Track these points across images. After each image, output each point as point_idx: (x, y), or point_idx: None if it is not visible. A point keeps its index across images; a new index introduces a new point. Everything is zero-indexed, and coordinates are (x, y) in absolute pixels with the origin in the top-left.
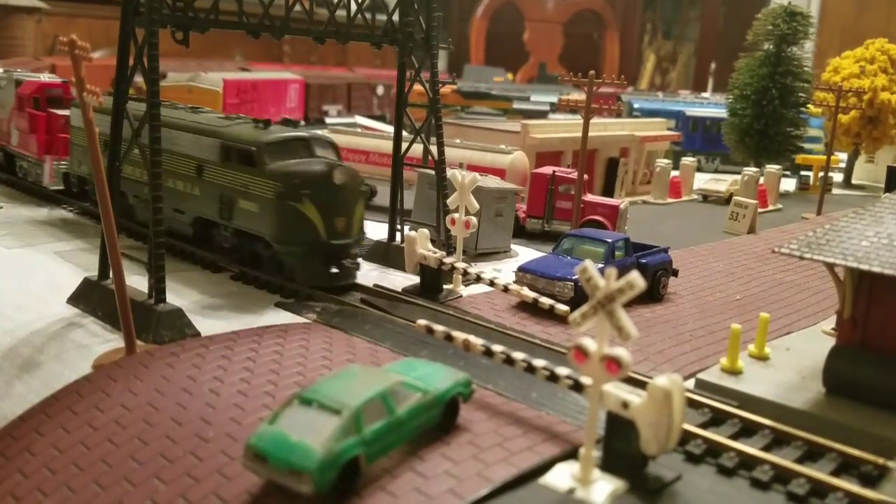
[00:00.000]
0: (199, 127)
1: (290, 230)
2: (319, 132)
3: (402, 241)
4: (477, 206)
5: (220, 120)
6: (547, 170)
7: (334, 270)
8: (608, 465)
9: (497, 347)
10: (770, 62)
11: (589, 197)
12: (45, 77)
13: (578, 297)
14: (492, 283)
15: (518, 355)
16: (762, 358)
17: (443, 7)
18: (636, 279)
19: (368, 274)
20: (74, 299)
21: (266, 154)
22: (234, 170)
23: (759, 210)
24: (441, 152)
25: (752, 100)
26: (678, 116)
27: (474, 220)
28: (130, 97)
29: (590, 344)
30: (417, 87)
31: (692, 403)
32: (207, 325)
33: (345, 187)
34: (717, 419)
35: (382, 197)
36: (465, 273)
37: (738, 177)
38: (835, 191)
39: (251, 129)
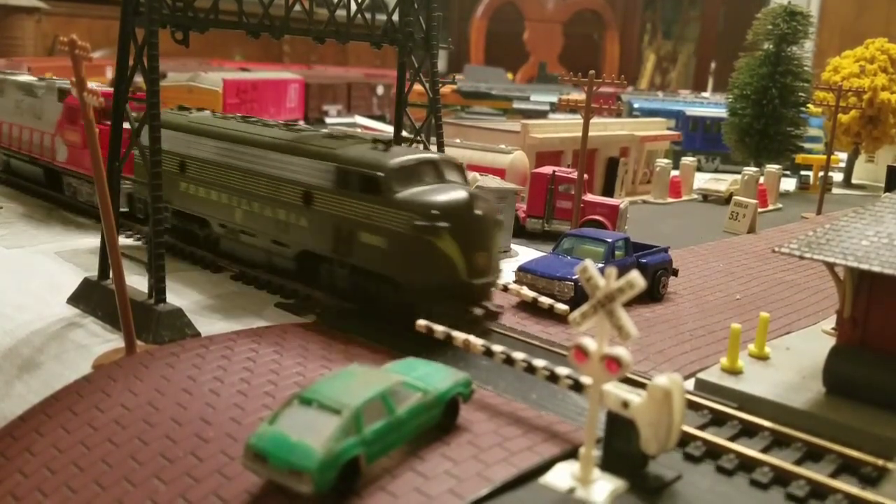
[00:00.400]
0: (307, 149)
1: (425, 269)
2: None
3: None
4: None
5: (330, 140)
6: (547, 169)
7: (475, 314)
8: (608, 465)
9: (497, 348)
10: (770, 62)
11: (589, 197)
12: (96, 85)
13: (578, 297)
14: None
15: (518, 355)
16: (762, 357)
17: (443, 7)
18: (636, 279)
19: None
20: (74, 299)
21: (394, 180)
22: (354, 198)
23: (759, 210)
24: (441, 152)
25: (752, 99)
26: (678, 116)
27: None
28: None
29: (590, 343)
30: (417, 86)
31: (692, 405)
32: (207, 325)
33: (486, 218)
34: (717, 420)
35: None
36: None
37: (738, 176)
38: (835, 190)
39: (370, 150)
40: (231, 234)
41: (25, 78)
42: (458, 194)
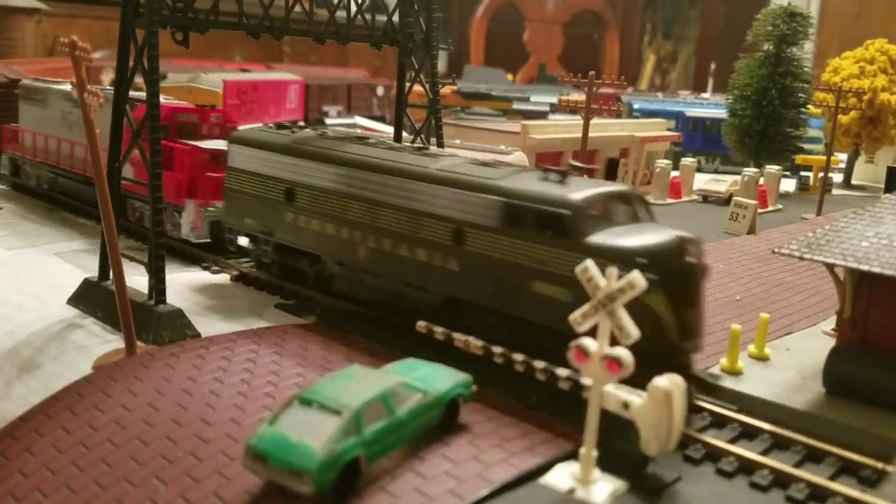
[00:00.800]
0: (459, 178)
1: None
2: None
3: None
4: None
5: (485, 168)
6: None
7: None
8: (608, 466)
9: (497, 349)
10: (770, 63)
11: None
12: (165, 99)
13: None
14: None
15: (518, 356)
16: (762, 358)
17: (443, 7)
18: (637, 279)
19: None
20: (74, 300)
21: (584, 220)
22: (527, 239)
23: (759, 210)
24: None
25: (752, 100)
26: (678, 117)
27: None
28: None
29: (590, 344)
30: (417, 87)
31: (692, 407)
32: (207, 325)
33: (698, 266)
34: (717, 422)
35: None
36: None
37: (738, 177)
38: (835, 191)
39: (543, 181)
40: (351, 273)
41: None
42: (665, 237)
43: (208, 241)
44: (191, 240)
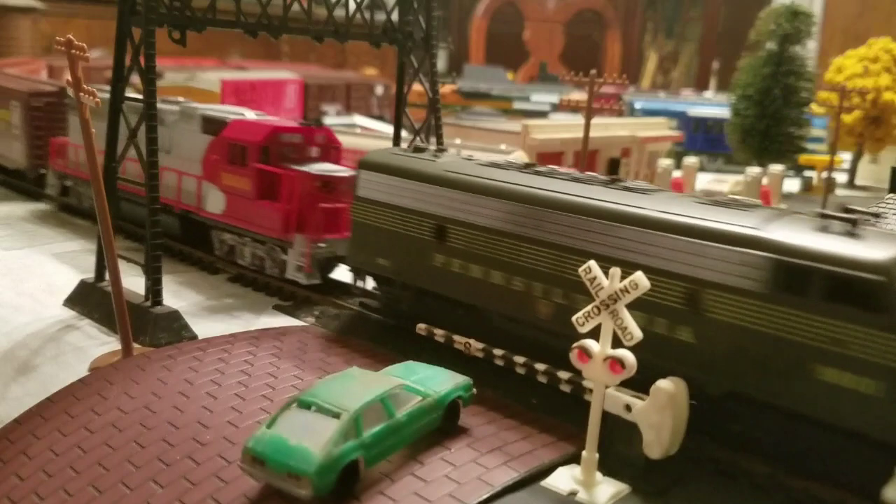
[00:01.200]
0: (695, 225)
1: None
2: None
3: None
4: None
5: (725, 211)
6: None
7: None
8: (610, 468)
9: (497, 351)
10: (773, 62)
11: None
12: (258, 115)
13: None
14: None
15: (518, 359)
16: None
17: (443, 6)
18: (640, 279)
19: None
20: (71, 301)
21: None
22: (808, 311)
23: None
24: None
25: (755, 100)
26: (680, 116)
27: None
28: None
29: (593, 345)
30: (417, 86)
31: None
32: (205, 327)
33: None
34: None
35: None
36: None
37: (741, 177)
38: (838, 191)
39: (822, 231)
40: (522, 328)
41: None
42: None
43: (317, 281)
44: (300, 281)
